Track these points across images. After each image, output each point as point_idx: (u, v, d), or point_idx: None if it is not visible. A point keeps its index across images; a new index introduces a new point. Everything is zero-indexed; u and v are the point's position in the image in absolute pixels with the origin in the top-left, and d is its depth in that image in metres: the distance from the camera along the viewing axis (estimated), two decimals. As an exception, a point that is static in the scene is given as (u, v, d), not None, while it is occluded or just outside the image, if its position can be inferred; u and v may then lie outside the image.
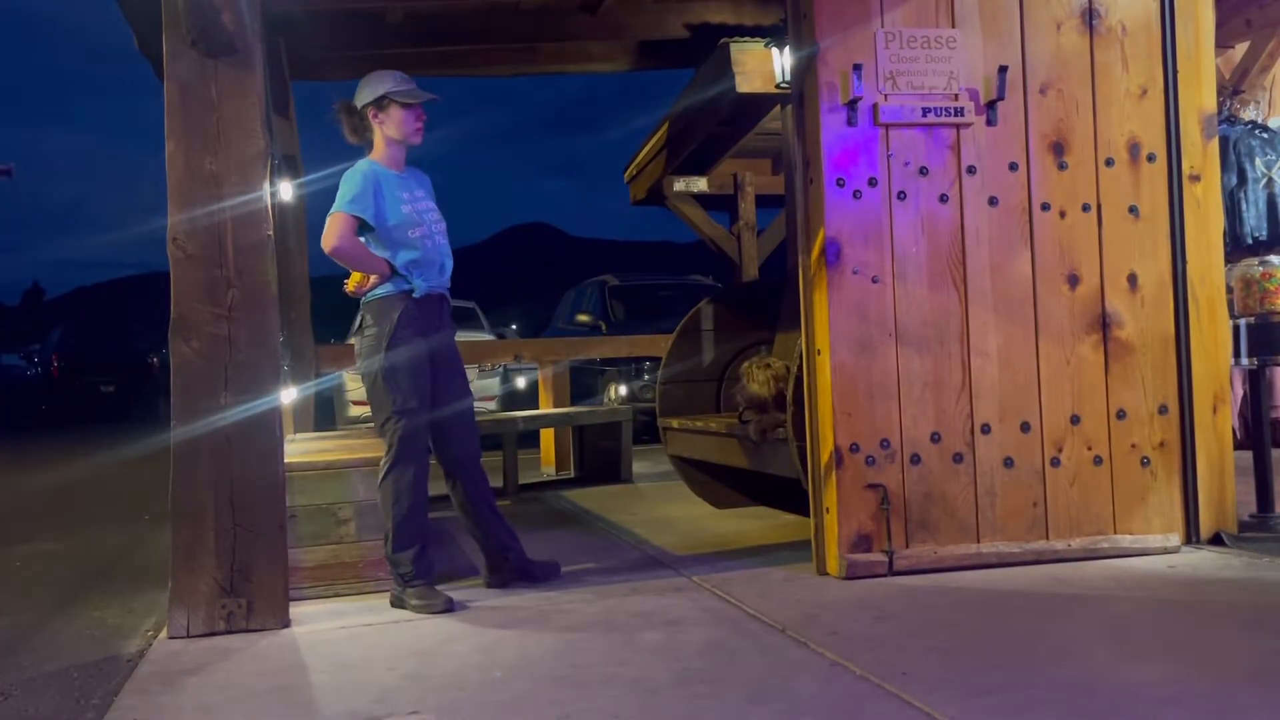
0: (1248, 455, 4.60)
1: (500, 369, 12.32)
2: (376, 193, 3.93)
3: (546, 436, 8.71)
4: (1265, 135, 6.56)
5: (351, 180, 3.94)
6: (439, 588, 3.89)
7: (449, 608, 3.77)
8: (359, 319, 4.06)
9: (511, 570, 4.18)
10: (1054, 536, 4.10)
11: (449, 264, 4.11)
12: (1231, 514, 4.30)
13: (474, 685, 2.89)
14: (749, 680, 2.82)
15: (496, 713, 2.67)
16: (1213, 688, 2.59)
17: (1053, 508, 4.11)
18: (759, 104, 6.80)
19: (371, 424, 4.41)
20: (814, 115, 4.05)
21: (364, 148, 4.07)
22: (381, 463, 3.97)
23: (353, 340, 4.00)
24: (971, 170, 4.11)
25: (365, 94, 4.00)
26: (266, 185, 3.73)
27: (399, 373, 3.90)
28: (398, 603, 3.88)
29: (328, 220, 3.91)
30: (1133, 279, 4.22)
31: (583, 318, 11.55)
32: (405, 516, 3.90)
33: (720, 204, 9.43)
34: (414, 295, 3.94)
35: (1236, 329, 4.48)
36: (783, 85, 6.08)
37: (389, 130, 4.00)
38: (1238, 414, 6.33)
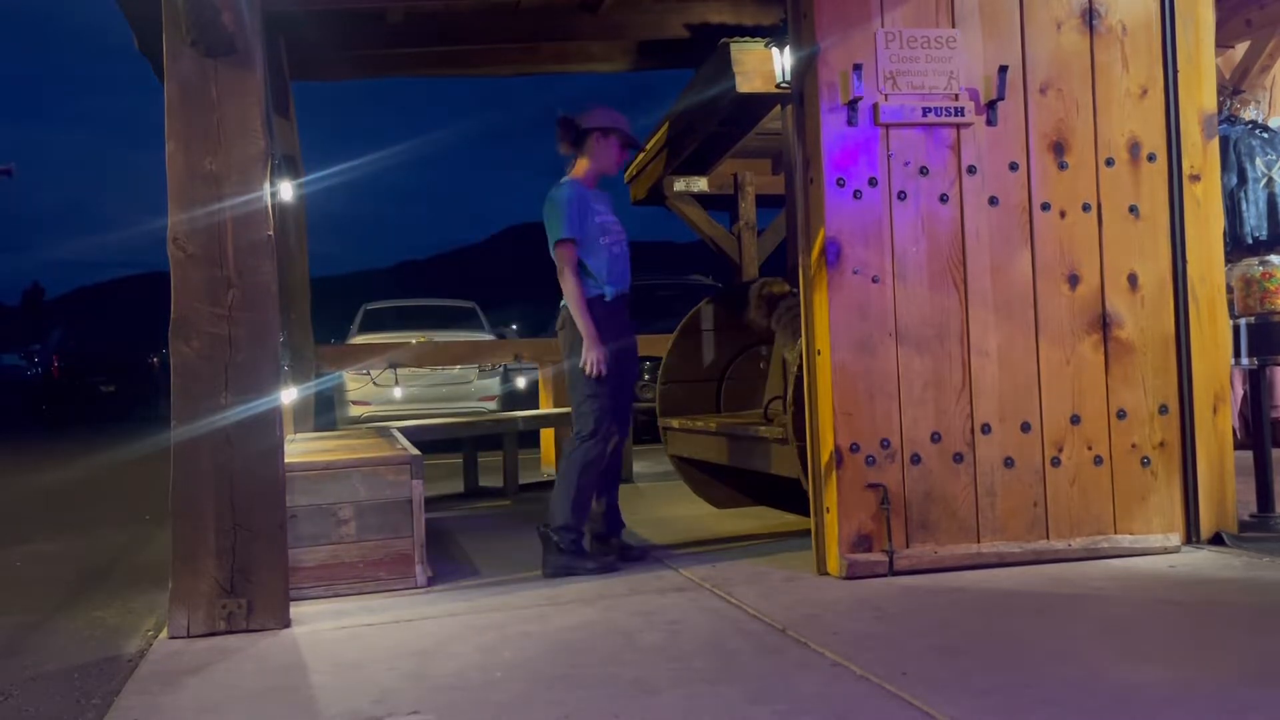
0: (1248, 455, 4.60)
1: (500, 369, 12.32)
2: (583, 209, 4.44)
3: (547, 436, 8.70)
4: (1265, 135, 6.55)
5: (557, 203, 4.42)
6: (437, 589, 3.89)
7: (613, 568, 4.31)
8: (560, 317, 4.48)
9: (609, 544, 4.56)
10: (1054, 536, 4.10)
11: (628, 271, 4.56)
12: (1232, 514, 4.30)
13: (474, 685, 2.89)
14: (749, 680, 2.82)
15: (497, 713, 2.67)
16: (1213, 688, 2.59)
17: (1053, 508, 4.11)
18: (759, 104, 6.81)
19: (375, 424, 4.45)
20: (814, 115, 4.05)
21: (567, 161, 4.58)
22: (575, 437, 4.42)
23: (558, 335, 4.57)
24: (972, 170, 4.11)
25: (598, 119, 4.51)
26: (266, 185, 3.73)
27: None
28: (562, 570, 4.25)
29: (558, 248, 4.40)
30: (1133, 279, 4.22)
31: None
32: (584, 486, 4.36)
33: (720, 204, 9.44)
34: (605, 299, 4.42)
35: (1236, 329, 4.48)
36: (783, 85, 6.08)
37: (601, 157, 4.54)
38: (1238, 414, 6.33)
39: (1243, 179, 6.45)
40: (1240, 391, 6.40)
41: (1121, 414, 4.18)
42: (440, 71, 7.12)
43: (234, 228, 3.66)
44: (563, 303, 4.44)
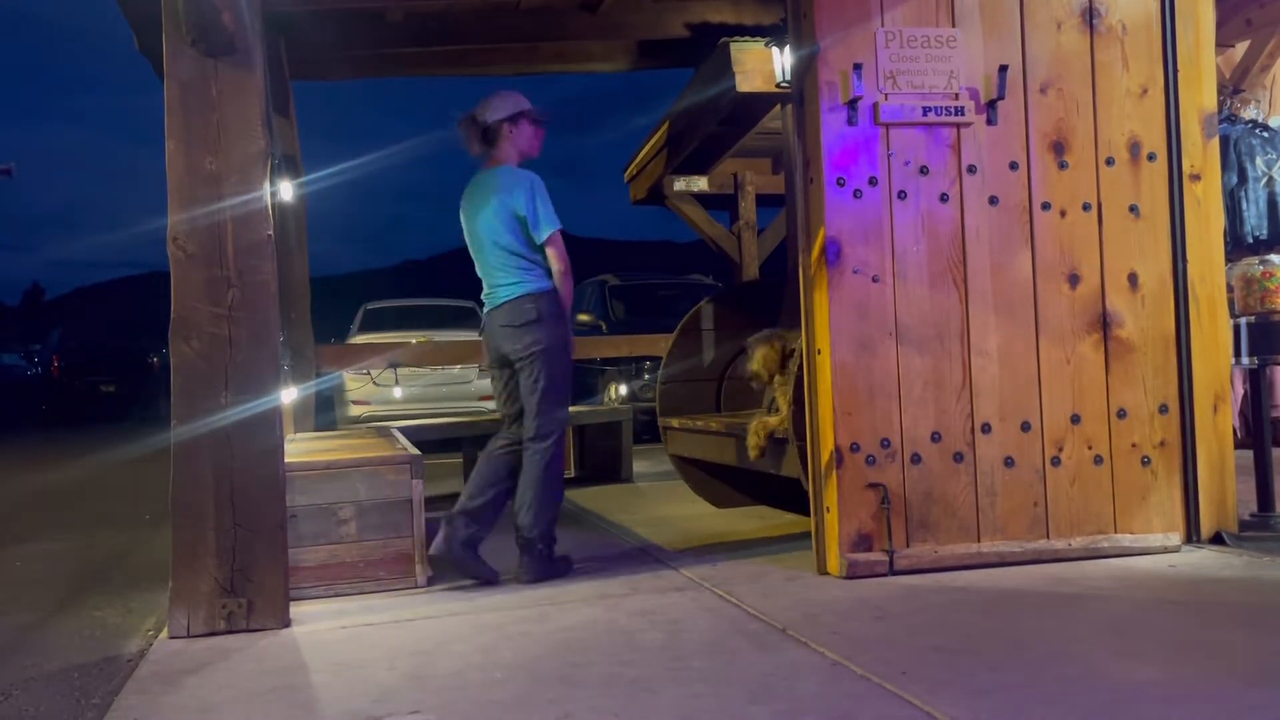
0: (1248, 454, 4.60)
1: (500, 368, 12.31)
2: None
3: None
4: (1266, 134, 6.56)
5: (543, 191, 4.27)
6: (437, 589, 3.88)
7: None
8: (527, 309, 4.28)
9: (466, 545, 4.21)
10: (1054, 536, 4.10)
11: None
12: (1232, 513, 4.30)
13: (474, 685, 2.89)
14: (749, 680, 2.82)
15: (497, 713, 2.67)
16: (1213, 688, 2.59)
17: (1053, 507, 4.11)
18: (759, 103, 6.80)
19: (375, 424, 4.42)
20: (814, 115, 4.05)
21: (482, 159, 4.38)
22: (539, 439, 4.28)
23: (519, 328, 4.34)
24: (972, 169, 4.11)
25: (501, 109, 4.32)
26: (266, 185, 3.73)
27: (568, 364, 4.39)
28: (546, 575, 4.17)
29: (558, 238, 4.27)
30: (1133, 278, 4.22)
31: (583, 317, 11.55)
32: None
33: (720, 203, 9.43)
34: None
35: (1237, 328, 4.47)
36: (783, 85, 6.08)
37: (521, 144, 4.37)
38: (1238, 413, 6.33)
39: (1243, 178, 6.46)
40: (1240, 391, 6.40)
41: (1122, 413, 4.18)
42: (440, 71, 7.12)
43: (234, 228, 3.66)
44: (522, 293, 4.29)
